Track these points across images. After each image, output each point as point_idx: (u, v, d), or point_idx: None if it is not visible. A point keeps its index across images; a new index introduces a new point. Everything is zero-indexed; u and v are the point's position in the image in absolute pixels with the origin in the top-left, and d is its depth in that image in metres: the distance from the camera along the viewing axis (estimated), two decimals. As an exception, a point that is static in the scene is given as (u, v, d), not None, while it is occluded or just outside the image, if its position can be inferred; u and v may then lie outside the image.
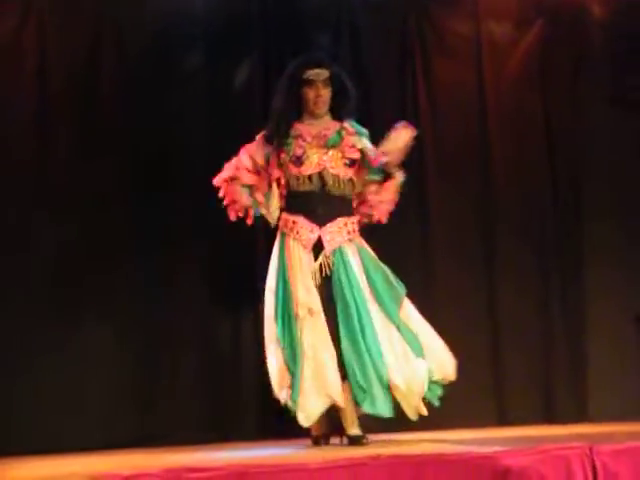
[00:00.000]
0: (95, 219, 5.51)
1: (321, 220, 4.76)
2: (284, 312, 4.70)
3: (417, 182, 5.91)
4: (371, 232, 4.94)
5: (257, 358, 5.58)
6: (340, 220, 4.78)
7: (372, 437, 4.73)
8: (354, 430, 4.67)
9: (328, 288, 4.70)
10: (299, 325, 4.64)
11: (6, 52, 5.48)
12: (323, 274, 4.71)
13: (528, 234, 6.15)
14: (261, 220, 4.94)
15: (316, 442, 4.80)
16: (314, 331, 4.63)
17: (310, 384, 4.58)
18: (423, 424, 4.89)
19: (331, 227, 4.76)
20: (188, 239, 5.64)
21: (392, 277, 4.79)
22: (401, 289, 4.78)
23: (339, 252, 4.73)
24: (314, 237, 4.74)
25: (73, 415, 5.33)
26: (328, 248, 4.73)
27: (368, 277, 4.75)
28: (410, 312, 4.79)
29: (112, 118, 5.61)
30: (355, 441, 4.65)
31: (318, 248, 4.73)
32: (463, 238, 6.06)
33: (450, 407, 5.00)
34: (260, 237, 5.47)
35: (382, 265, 4.80)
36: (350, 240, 4.78)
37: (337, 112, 4.87)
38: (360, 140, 4.85)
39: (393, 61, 6.09)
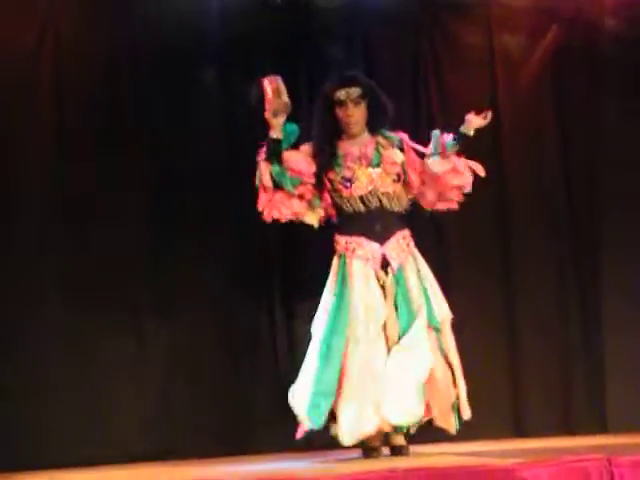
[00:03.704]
0: (114, 235, 5.50)
1: (381, 238, 4.78)
2: (335, 334, 4.67)
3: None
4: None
5: (276, 369, 5.64)
6: (399, 234, 4.82)
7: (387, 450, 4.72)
8: (399, 440, 4.68)
9: (389, 304, 4.71)
10: (352, 346, 4.61)
11: (24, 70, 5.47)
12: (387, 291, 4.74)
13: (544, 237, 6.14)
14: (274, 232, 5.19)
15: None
16: (367, 353, 4.60)
17: (353, 406, 4.54)
18: (440, 436, 4.89)
19: (392, 244, 4.79)
20: (207, 251, 5.64)
21: (438, 298, 4.81)
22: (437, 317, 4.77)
23: (400, 270, 4.76)
24: (379, 255, 4.76)
25: (91, 430, 5.31)
26: (394, 265, 4.76)
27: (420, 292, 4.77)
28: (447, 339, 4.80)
29: (129, 135, 5.62)
30: (398, 451, 4.65)
31: (382, 265, 4.76)
32: (479, 248, 6.04)
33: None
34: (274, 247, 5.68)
35: (430, 283, 4.82)
36: (409, 254, 4.82)
37: (372, 126, 4.84)
38: (396, 153, 4.84)
39: (406, 73, 6.07)
